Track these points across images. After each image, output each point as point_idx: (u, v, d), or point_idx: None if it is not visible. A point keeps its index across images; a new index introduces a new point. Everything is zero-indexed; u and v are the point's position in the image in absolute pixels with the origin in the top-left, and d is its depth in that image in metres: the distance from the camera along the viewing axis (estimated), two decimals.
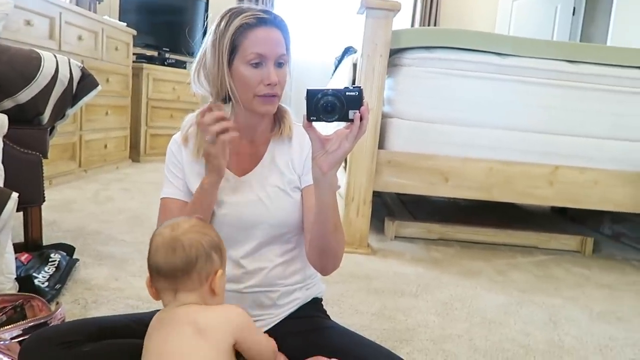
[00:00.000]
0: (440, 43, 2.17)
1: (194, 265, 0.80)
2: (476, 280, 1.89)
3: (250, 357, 0.84)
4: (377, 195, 2.28)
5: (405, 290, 1.73)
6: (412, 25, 5.30)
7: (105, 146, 3.55)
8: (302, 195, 1.04)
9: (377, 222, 2.45)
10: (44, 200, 1.66)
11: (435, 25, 5.26)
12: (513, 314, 1.60)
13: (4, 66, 1.52)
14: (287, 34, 0.99)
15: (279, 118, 1.07)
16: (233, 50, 0.95)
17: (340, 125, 0.85)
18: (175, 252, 0.80)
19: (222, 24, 0.96)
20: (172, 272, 0.80)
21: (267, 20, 0.95)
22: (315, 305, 1.15)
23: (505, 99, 2.23)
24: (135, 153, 4.06)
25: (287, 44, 0.99)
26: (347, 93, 0.83)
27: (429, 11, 5.27)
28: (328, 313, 1.15)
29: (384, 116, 2.20)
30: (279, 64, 0.97)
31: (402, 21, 4.96)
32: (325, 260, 0.99)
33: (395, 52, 2.20)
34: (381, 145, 2.19)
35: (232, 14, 0.96)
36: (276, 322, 1.06)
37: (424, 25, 5.26)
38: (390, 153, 2.18)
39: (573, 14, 5.40)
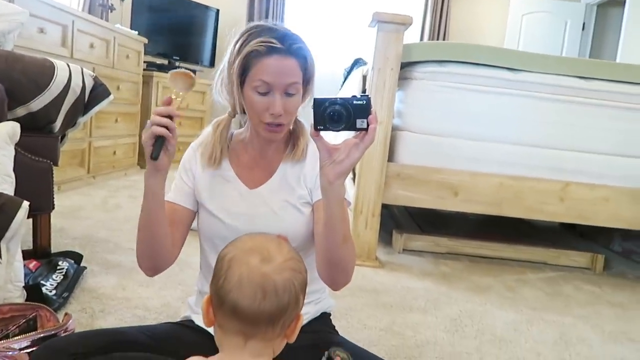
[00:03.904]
0: (452, 57, 2.17)
1: (283, 314, 0.66)
2: (486, 296, 1.87)
3: None
4: (385, 207, 2.27)
5: (414, 305, 1.72)
6: (422, 38, 5.31)
7: (114, 153, 3.57)
8: (312, 209, 1.04)
9: (385, 234, 2.44)
10: (53, 208, 1.66)
11: (444, 38, 5.27)
12: (524, 332, 1.58)
13: (18, 74, 1.53)
14: (305, 61, 0.97)
15: (294, 137, 1.06)
16: (243, 73, 0.95)
17: (350, 135, 0.84)
18: (266, 297, 0.65)
19: (238, 45, 0.95)
20: (255, 319, 0.65)
21: (279, 49, 0.93)
22: (323, 320, 1.14)
23: (516, 113, 2.22)
24: (143, 160, 4.06)
25: (306, 72, 0.97)
26: (354, 102, 0.81)
27: (438, 25, 5.28)
28: (337, 327, 1.14)
29: (394, 129, 2.20)
30: (288, 94, 0.96)
31: (411, 34, 4.97)
32: (335, 274, 0.98)
33: (406, 65, 2.20)
34: (391, 158, 2.18)
35: (249, 34, 0.95)
36: None
37: (433, 38, 5.26)
38: (400, 166, 2.17)
39: (583, 29, 5.41)
